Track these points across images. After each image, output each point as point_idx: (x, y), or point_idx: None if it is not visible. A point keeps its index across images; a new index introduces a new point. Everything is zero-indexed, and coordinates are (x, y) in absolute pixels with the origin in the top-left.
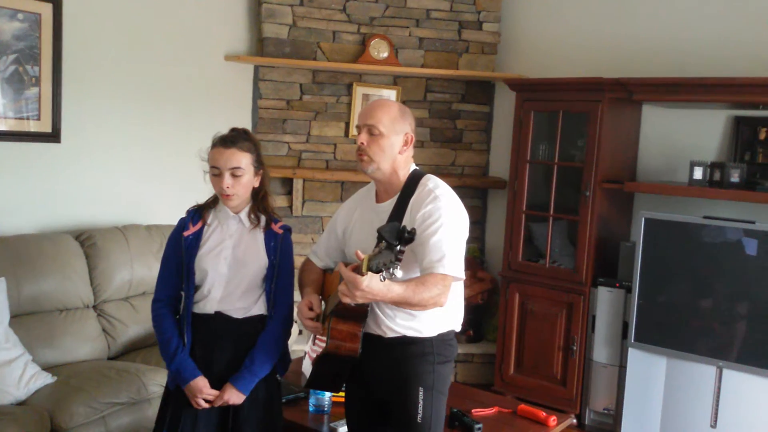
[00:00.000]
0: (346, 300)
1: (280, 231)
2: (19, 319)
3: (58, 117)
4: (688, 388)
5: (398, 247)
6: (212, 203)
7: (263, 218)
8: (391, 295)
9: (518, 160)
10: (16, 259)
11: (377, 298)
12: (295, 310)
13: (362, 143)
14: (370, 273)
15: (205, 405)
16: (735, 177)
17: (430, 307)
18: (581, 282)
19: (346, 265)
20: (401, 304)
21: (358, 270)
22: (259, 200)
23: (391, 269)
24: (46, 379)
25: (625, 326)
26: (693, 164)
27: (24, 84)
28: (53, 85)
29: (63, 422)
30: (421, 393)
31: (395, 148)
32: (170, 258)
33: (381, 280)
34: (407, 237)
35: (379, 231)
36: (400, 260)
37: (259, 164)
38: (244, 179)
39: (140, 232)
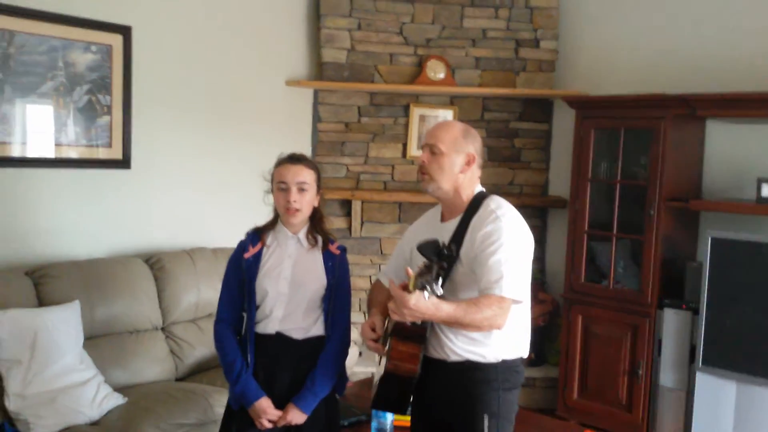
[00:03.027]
0: (395, 317)
1: (337, 252)
2: (92, 341)
3: (128, 144)
4: (759, 414)
5: (438, 263)
6: (271, 225)
7: (320, 239)
8: (440, 314)
9: (579, 178)
10: (89, 282)
11: (426, 317)
12: (356, 331)
13: (423, 161)
14: (417, 291)
15: (269, 425)
16: None
17: (485, 329)
18: (646, 303)
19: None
20: (452, 324)
21: (407, 288)
22: (316, 221)
23: (431, 286)
24: (118, 399)
25: (693, 349)
26: (761, 181)
27: (96, 113)
28: (123, 113)
29: None
30: (486, 420)
31: (456, 167)
32: (231, 279)
33: (426, 299)
34: (446, 254)
35: (418, 248)
36: (440, 276)
37: (320, 185)
38: (309, 195)
39: (206, 254)
